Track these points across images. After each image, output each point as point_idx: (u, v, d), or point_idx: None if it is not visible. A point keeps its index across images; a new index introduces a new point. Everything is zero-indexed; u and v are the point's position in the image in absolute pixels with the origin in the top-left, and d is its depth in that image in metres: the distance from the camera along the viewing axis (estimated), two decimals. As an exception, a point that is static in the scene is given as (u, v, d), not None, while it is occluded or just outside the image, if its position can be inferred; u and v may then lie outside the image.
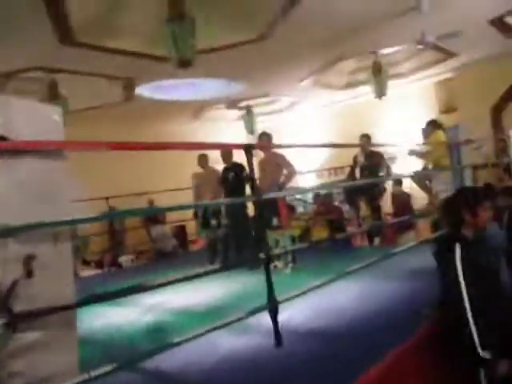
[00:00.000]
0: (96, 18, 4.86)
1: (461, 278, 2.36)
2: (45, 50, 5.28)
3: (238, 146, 2.28)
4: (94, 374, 1.73)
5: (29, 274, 1.60)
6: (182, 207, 3.39)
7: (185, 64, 4.53)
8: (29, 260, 1.62)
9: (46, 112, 1.77)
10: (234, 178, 5.45)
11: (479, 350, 2.31)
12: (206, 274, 2.22)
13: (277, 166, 5.08)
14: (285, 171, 5.14)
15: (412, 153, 5.54)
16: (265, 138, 5.36)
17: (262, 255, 2.37)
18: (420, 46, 6.04)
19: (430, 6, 5.27)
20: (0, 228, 1.54)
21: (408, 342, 2.62)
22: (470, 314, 2.32)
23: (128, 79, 6.70)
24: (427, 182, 5.23)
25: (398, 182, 7.24)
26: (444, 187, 4.49)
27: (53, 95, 5.97)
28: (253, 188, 2.44)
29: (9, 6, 4.25)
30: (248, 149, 2.24)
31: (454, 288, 2.41)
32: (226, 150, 5.46)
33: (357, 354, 2.46)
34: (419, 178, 5.30)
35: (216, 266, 5.00)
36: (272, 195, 3.52)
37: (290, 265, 4.95)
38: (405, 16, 5.65)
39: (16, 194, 1.64)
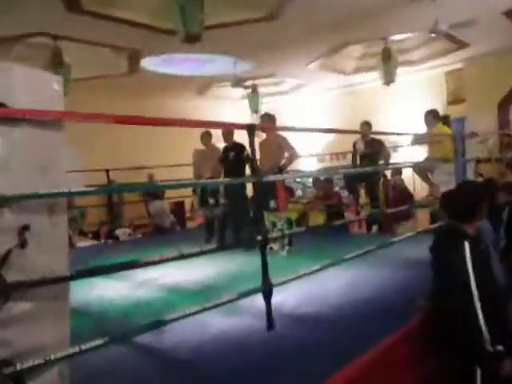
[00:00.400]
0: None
1: (471, 275, 2.33)
2: (51, 17, 5.18)
3: (240, 126, 2.24)
4: (84, 347, 1.73)
5: (22, 244, 1.58)
6: (180, 185, 3.35)
7: (192, 39, 4.46)
8: (23, 230, 1.60)
9: (46, 80, 1.72)
10: (234, 158, 5.41)
11: (487, 345, 2.28)
12: (202, 253, 2.21)
13: (278, 147, 5.02)
14: (286, 154, 5.09)
15: (414, 142, 5.47)
16: (267, 118, 5.30)
17: (258, 237, 2.35)
18: (432, 34, 5.93)
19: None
20: (-5, 197, 1.52)
21: (399, 331, 2.64)
22: (479, 310, 2.28)
23: (133, 50, 6.60)
24: (429, 173, 5.18)
25: (398, 171, 7.18)
26: (445, 179, 4.45)
27: (56, 62, 5.89)
28: (253, 169, 2.41)
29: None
30: (251, 129, 2.20)
31: (459, 283, 2.39)
32: (228, 129, 5.40)
33: (348, 342, 2.48)
34: (420, 168, 5.25)
35: (212, 244, 5.00)
36: (272, 177, 3.48)
37: (287, 248, 4.96)
38: (418, 3, 5.53)
39: (12, 162, 1.61)
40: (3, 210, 1.58)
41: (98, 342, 1.79)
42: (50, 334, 1.68)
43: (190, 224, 9.49)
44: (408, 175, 7.39)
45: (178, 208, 9.07)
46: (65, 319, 1.72)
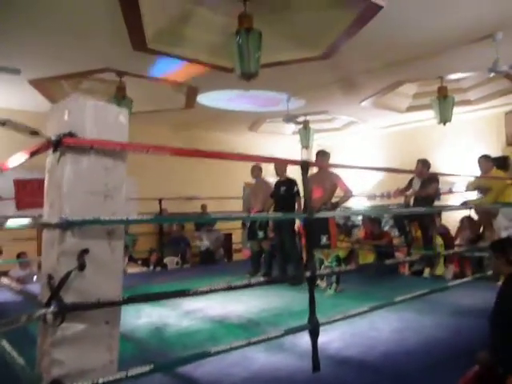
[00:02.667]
0: (167, 28, 5.05)
1: None
2: (118, 54, 5.54)
3: (294, 162, 2.27)
4: (131, 373, 1.76)
5: (81, 267, 1.66)
6: (231, 218, 3.38)
7: (249, 76, 4.59)
8: (82, 254, 1.67)
9: (113, 113, 1.84)
10: (285, 192, 5.44)
11: None
12: (250, 286, 2.20)
13: (332, 185, 5.01)
14: (340, 191, 5.07)
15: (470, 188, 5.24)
16: (322, 155, 5.31)
17: (307, 273, 2.32)
18: (492, 74, 5.79)
19: (504, 34, 5.06)
20: (60, 221, 1.61)
21: None
22: None
23: (191, 87, 6.89)
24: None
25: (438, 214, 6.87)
26: (508, 224, 4.23)
27: (120, 96, 6.25)
28: (305, 205, 2.41)
29: (90, 13, 4.53)
30: (305, 165, 2.22)
31: None
32: (281, 164, 5.46)
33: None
34: (484, 211, 5.02)
35: (259, 278, 4.98)
36: (323, 214, 3.46)
37: (334, 285, 4.84)
38: (477, 42, 5.45)
39: (78, 188, 1.71)
40: (65, 234, 1.67)
41: (144, 368, 1.81)
42: (100, 357, 1.72)
43: (236, 256, 9.53)
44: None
45: (226, 240, 9.14)
46: (115, 343, 1.77)
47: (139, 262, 7.95)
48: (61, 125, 1.71)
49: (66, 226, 1.62)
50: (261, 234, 5.91)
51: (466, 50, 5.67)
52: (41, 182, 6.50)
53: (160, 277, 6.51)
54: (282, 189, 5.51)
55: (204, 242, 8.45)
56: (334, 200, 5.16)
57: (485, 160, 5.26)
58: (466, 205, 4.87)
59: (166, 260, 7.91)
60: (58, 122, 1.73)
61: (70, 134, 1.67)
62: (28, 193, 6.83)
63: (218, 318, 4.00)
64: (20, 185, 6.86)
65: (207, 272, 6.65)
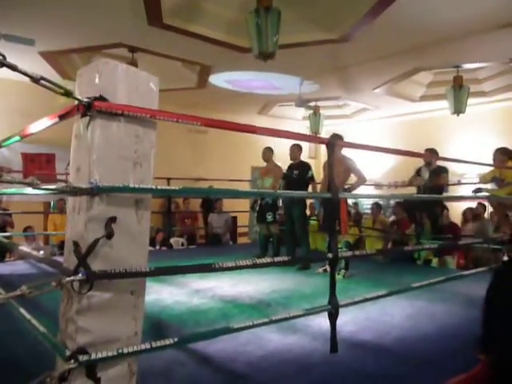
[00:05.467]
0: (184, 3, 4.95)
1: None
2: (132, 29, 5.45)
3: (322, 140, 2.21)
4: (155, 344, 1.73)
5: (109, 235, 1.62)
6: (246, 193, 3.34)
7: (266, 56, 4.52)
8: (110, 222, 1.64)
9: (144, 79, 1.78)
10: (297, 176, 5.39)
11: None
12: (274, 264, 2.17)
13: (345, 169, 4.95)
14: (354, 176, 5.00)
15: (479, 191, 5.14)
16: (336, 139, 5.23)
17: (329, 255, 2.28)
18: (511, 65, 5.69)
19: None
20: (90, 186, 1.57)
21: (462, 375, 2.44)
22: None
23: (205, 66, 6.80)
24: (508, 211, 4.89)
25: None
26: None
27: (132, 73, 6.15)
28: (329, 185, 2.36)
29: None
30: (331, 144, 2.17)
31: None
32: (296, 147, 5.41)
33: (411, 376, 2.33)
34: (499, 203, 4.96)
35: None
36: (347, 195, 3.41)
37: (343, 271, 4.83)
38: (498, 31, 5.34)
39: (107, 154, 1.67)
40: (94, 200, 1.63)
41: (168, 341, 1.79)
42: (125, 327, 1.70)
43: (240, 240, 9.53)
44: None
45: (232, 223, 9.12)
46: (139, 315, 1.74)
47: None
48: (91, 88, 1.65)
49: (95, 191, 1.58)
50: (269, 217, 5.87)
51: (486, 38, 5.57)
52: (49, 156, 6.50)
53: (167, 256, 6.49)
54: (295, 172, 5.46)
55: (215, 229, 8.43)
56: (346, 186, 5.10)
57: (500, 153, 5.16)
58: (479, 191, 4.80)
59: (172, 240, 7.90)
60: (88, 85, 1.67)
61: (101, 98, 1.62)
62: (36, 166, 6.81)
63: (228, 297, 3.99)
64: (28, 158, 6.83)
65: (214, 253, 6.65)
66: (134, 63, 6.27)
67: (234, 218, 9.14)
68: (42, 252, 6.35)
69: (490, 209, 6.64)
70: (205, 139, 9.33)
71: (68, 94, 1.52)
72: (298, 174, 5.42)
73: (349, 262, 4.88)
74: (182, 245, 8.09)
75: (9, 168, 6.34)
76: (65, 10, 4.98)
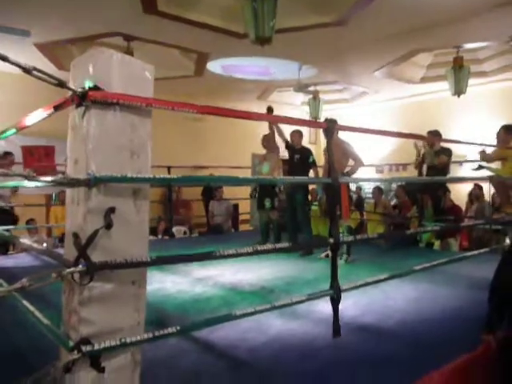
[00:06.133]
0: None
1: None
2: (126, 17, 5.39)
3: (320, 125, 2.19)
4: (157, 334, 1.74)
5: (108, 226, 1.61)
6: (243, 180, 3.32)
7: (263, 41, 4.47)
8: (109, 212, 1.63)
9: (139, 68, 1.76)
10: (298, 161, 5.38)
11: None
12: (275, 250, 2.17)
13: (343, 154, 4.92)
14: (351, 161, 4.98)
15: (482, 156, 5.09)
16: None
17: (331, 240, 2.28)
18: (511, 44, 5.62)
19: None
20: (87, 177, 1.56)
21: (464, 359, 2.45)
22: None
23: (202, 53, 6.73)
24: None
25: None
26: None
27: (128, 62, 6.10)
28: (329, 170, 2.34)
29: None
30: (330, 128, 2.15)
31: None
32: (297, 133, 5.39)
33: (413, 360, 2.34)
34: (500, 182, 4.93)
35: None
36: (348, 179, 3.39)
37: (345, 256, 4.83)
38: (499, 9, 5.25)
39: (103, 144, 1.65)
40: (92, 191, 1.62)
41: (171, 330, 1.80)
42: (128, 317, 1.70)
43: (242, 227, 9.55)
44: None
45: (233, 210, 9.13)
46: (142, 304, 1.74)
47: (147, 231, 7.95)
48: (85, 78, 1.63)
49: (93, 182, 1.57)
50: (268, 203, 5.87)
51: (486, 17, 5.48)
52: (48, 148, 6.46)
53: (170, 245, 6.51)
54: (296, 156, 5.46)
55: (216, 217, 8.43)
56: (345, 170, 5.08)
57: (505, 131, 5.10)
58: (480, 168, 4.78)
59: (174, 229, 7.91)
60: (82, 75, 1.65)
61: (96, 88, 1.60)
62: (35, 159, 6.77)
63: (230, 285, 4.00)
64: (27, 151, 6.80)
65: (215, 241, 6.66)
66: (129, 52, 6.21)
67: (236, 206, 9.15)
68: (44, 244, 6.38)
69: (488, 189, 6.67)
70: (204, 127, 9.28)
71: (62, 84, 1.50)
72: (299, 159, 5.42)
73: (351, 246, 4.88)
74: (185, 233, 8.11)
75: (12, 159, 6.33)
76: (58, 0, 4.92)
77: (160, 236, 7.67)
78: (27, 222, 6.67)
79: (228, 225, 8.58)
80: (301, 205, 5.43)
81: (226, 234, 8.27)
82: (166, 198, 8.08)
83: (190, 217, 8.90)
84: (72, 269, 1.52)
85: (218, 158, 8.74)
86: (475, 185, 7.07)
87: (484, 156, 5.13)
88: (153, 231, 7.89)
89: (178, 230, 8.04)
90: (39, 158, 7.22)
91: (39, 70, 1.41)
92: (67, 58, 6.61)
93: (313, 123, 3.27)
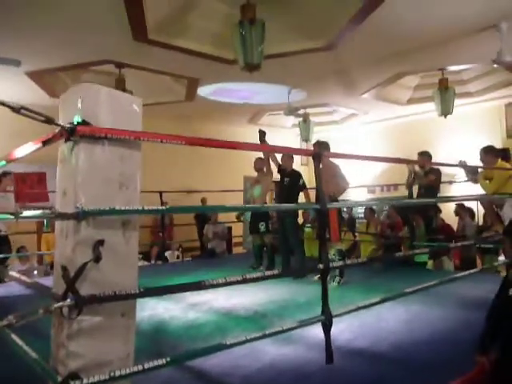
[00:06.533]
0: (169, 18, 4.98)
1: None
2: (118, 45, 5.47)
3: (307, 152, 2.23)
4: (147, 366, 1.73)
5: (97, 258, 1.62)
6: (237, 209, 3.35)
7: (252, 68, 4.56)
8: (98, 245, 1.64)
9: (127, 101, 1.80)
10: (289, 184, 5.42)
11: None
12: (264, 278, 2.18)
13: (332, 176, 4.96)
14: (337, 182, 5.03)
15: (462, 164, 5.16)
16: (320, 146, 5.25)
17: (320, 265, 2.29)
18: (494, 66, 5.76)
19: (509, 25, 5.03)
20: (76, 210, 1.57)
21: (461, 379, 2.44)
22: None
23: (192, 79, 6.83)
24: (498, 208, 4.93)
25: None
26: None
27: (120, 89, 6.17)
28: (318, 195, 2.37)
29: (90, 3, 4.45)
30: (317, 156, 2.19)
31: None
32: (288, 157, 5.45)
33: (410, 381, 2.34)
34: (489, 202, 5.00)
35: (262, 271, 4.96)
36: (335, 205, 3.43)
37: (337, 278, 4.83)
38: (480, 34, 5.42)
39: (92, 178, 1.67)
40: (81, 224, 1.63)
41: (160, 361, 1.78)
42: (117, 349, 1.69)
43: (235, 250, 9.52)
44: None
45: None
46: (131, 336, 1.74)
47: (140, 256, 7.91)
48: (74, 113, 1.66)
49: (82, 215, 1.58)
50: (262, 227, 5.89)
51: (469, 40, 5.64)
52: (40, 175, 6.44)
53: (163, 271, 6.46)
54: (286, 180, 5.50)
55: (212, 241, 8.40)
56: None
57: (486, 152, 5.16)
58: (464, 163, 4.85)
59: (167, 254, 7.88)
60: (71, 109, 1.68)
61: (84, 123, 1.63)
62: (28, 186, 6.76)
63: (223, 310, 3.98)
64: (20, 178, 6.79)
65: (209, 266, 6.63)
66: (121, 79, 6.30)
67: (229, 228, 9.14)
68: (35, 272, 6.32)
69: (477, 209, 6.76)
70: (196, 150, 9.33)
71: (50, 121, 1.52)
72: (289, 182, 5.47)
73: (343, 268, 4.88)
74: (178, 258, 8.07)
75: (12, 178, 6.31)
76: (49, 29, 5.00)
77: (153, 261, 7.62)
78: (18, 250, 6.61)
79: (223, 248, 8.55)
80: (291, 228, 5.45)
81: (221, 257, 8.24)
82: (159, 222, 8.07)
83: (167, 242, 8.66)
84: (60, 303, 1.52)
85: (210, 181, 8.78)
86: (456, 205, 7.15)
87: (472, 177, 5.24)
88: (146, 256, 7.86)
89: (171, 255, 8.00)
90: (31, 185, 7.21)
91: (27, 109, 1.44)
92: (59, 85, 6.68)
93: (300, 151, 3.32)
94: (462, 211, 7.02)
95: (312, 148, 5.56)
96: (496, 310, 2.45)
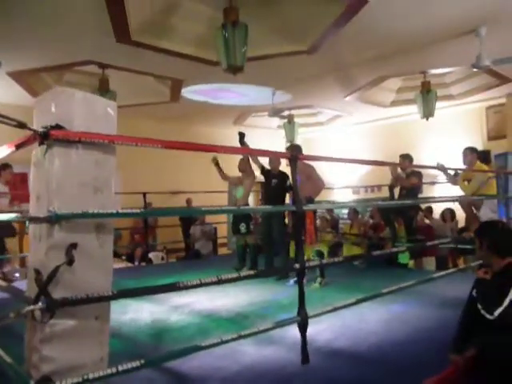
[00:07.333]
0: (152, 20, 4.98)
1: None
2: (101, 46, 5.44)
3: (283, 155, 2.26)
4: (121, 368, 1.74)
5: (70, 262, 1.62)
6: (222, 211, 3.37)
7: (235, 70, 4.57)
8: (71, 248, 1.64)
9: (101, 105, 1.80)
10: (276, 185, 5.45)
11: None
12: (240, 279, 2.20)
13: (307, 178, 5.00)
14: (313, 183, 5.08)
15: (440, 167, 5.28)
16: (294, 149, 5.29)
17: (296, 266, 2.32)
18: (474, 70, 5.86)
19: (488, 29, 5.13)
20: (48, 215, 1.57)
21: (435, 378, 2.49)
22: None
23: (176, 80, 6.82)
24: (475, 209, 5.03)
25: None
26: (492, 215, 4.32)
27: (103, 89, 6.15)
28: (294, 198, 2.40)
29: (72, 4, 4.42)
30: (293, 158, 2.22)
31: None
32: (276, 159, 5.49)
33: (386, 381, 2.38)
34: (467, 203, 5.10)
35: (247, 271, 4.98)
36: (312, 207, 3.46)
37: (319, 279, 4.87)
38: (460, 38, 5.51)
39: (66, 182, 1.68)
40: (53, 228, 1.64)
41: (135, 364, 1.79)
42: (91, 353, 1.70)
43: (220, 250, 9.52)
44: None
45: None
46: (105, 339, 1.74)
47: (123, 257, 7.86)
48: (48, 117, 1.67)
49: (54, 219, 1.59)
50: (243, 228, 5.91)
51: (449, 44, 5.73)
52: (24, 175, 6.37)
53: (146, 272, 6.44)
54: (274, 181, 5.53)
55: (198, 242, 8.39)
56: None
57: (470, 152, 5.32)
58: (441, 166, 4.96)
59: (151, 255, 7.85)
60: (44, 113, 1.69)
61: (58, 127, 1.63)
62: (11, 186, 6.70)
63: (206, 312, 3.99)
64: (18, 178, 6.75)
65: (193, 266, 6.63)
66: (105, 80, 6.27)
67: (214, 229, 9.15)
68: (17, 274, 6.25)
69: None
70: (180, 151, 9.32)
71: (22, 125, 1.53)
72: (277, 183, 5.50)
73: (323, 269, 4.92)
74: (162, 259, 8.04)
75: (11, 171, 6.26)
76: (31, 29, 4.95)
77: (137, 262, 7.59)
78: (-1, 252, 6.51)
79: (209, 249, 8.55)
80: (278, 228, 5.49)
81: (206, 258, 8.23)
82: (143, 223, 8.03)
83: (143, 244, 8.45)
84: (31, 307, 1.52)
85: (195, 182, 8.77)
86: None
87: (451, 179, 5.35)
88: (130, 257, 7.82)
89: (155, 256, 7.97)
90: (15, 185, 7.15)
91: (-2, 114, 1.44)
92: (42, 86, 6.62)
93: (277, 154, 3.35)
94: (430, 214, 7.20)
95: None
96: (465, 310, 2.51)
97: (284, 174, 5.56)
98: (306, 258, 4.81)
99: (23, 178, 7.22)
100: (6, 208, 5.93)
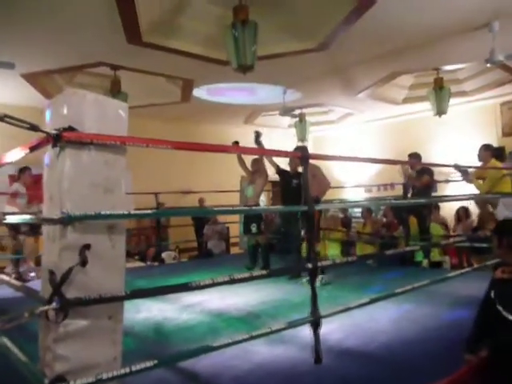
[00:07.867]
0: (161, 20, 5.00)
1: None
2: (112, 48, 5.49)
3: (295, 155, 2.26)
4: (134, 368, 1.75)
5: (83, 263, 1.64)
6: (233, 211, 3.37)
7: (245, 69, 4.57)
8: (84, 249, 1.66)
9: (113, 107, 1.82)
10: (297, 185, 5.39)
11: None
12: (253, 278, 2.20)
13: (313, 177, 4.96)
14: (319, 183, 5.05)
15: (457, 167, 5.22)
16: (300, 151, 5.27)
17: (308, 265, 2.32)
18: (488, 65, 5.78)
19: (501, 24, 5.05)
20: (61, 216, 1.59)
21: (450, 378, 2.47)
22: None
23: (187, 80, 6.85)
24: (490, 206, 4.97)
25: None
26: (508, 214, 4.25)
27: (115, 90, 6.19)
28: (305, 198, 2.40)
29: (83, 6, 4.46)
30: (305, 158, 2.21)
31: None
32: (295, 159, 5.45)
33: (398, 382, 2.36)
34: (483, 201, 5.03)
35: (257, 271, 4.96)
36: (323, 206, 3.44)
37: (320, 277, 4.81)
38: (473, 33, 5.44)
39: (78, 183, 1.69)
40: (67, 229, 1.65)
41: (148, 364, 1.80)
42: (104, 352, 1.72)
43: (233, 250, 9.54)
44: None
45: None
46: (118, 339, 1.76)
47: (136, 257, 7.92)
48: (60, 119, 1.69)
49: (67, 221, 1.60)
50: (254, 228, 5.89)
51: (462, 40, 5.66)
52: (36, 176, 6.44)
53: (158, 272, 6.48)
54: (295, 182, 5.47)
55: (211, 242, 8.42)
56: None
57: (484, 149, 5.25)
58: (458, 166, 4.91)
59: (164, 255, 7.89)
60: (56, 116, 1.71)
61: (70, 129, 1.65)
62: (31, 187, 6.78)
63: (217, 311, 4.00)
64: (14, 180, 6.81)
65: (205, 265, 6.64)
66: (116, 81, 6.32)
67: (227, 229, 9.16)
68: (33, 274, 6.33)
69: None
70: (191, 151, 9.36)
71: (35, 128, 1.54)
72: (298, 183, 5.38)
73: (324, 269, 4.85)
74: (174, 258, 8.09)
75: (31, 173, 6.34)
76: (43, 31, 5.01)
77: (149, 262, 7.63)
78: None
79: (222, 248, 8.57)
80: (295, 229, 5.45)
81: (218, 257, 8.25)
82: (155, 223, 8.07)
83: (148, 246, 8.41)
84: (46, 307, 1.54)
85: (207, 182, 8.79)
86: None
87: (466, 177, 5.28)
88: (142, 257, 7.88)
89: (168, 255, 8.02)
90: (28, 186, 7.24)
91: (11, 117, 1.46)
92: (54, 87, 6.70)
93: (288, 153, 3.34)
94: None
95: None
96: (482, 310, 2.47)
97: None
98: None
99: (35, 179, 7.31)
100: (23, 209, 6.01)
